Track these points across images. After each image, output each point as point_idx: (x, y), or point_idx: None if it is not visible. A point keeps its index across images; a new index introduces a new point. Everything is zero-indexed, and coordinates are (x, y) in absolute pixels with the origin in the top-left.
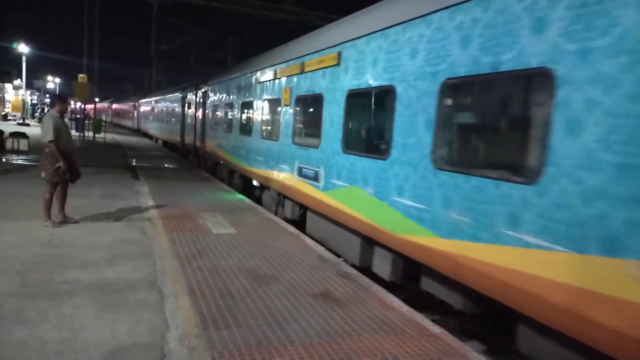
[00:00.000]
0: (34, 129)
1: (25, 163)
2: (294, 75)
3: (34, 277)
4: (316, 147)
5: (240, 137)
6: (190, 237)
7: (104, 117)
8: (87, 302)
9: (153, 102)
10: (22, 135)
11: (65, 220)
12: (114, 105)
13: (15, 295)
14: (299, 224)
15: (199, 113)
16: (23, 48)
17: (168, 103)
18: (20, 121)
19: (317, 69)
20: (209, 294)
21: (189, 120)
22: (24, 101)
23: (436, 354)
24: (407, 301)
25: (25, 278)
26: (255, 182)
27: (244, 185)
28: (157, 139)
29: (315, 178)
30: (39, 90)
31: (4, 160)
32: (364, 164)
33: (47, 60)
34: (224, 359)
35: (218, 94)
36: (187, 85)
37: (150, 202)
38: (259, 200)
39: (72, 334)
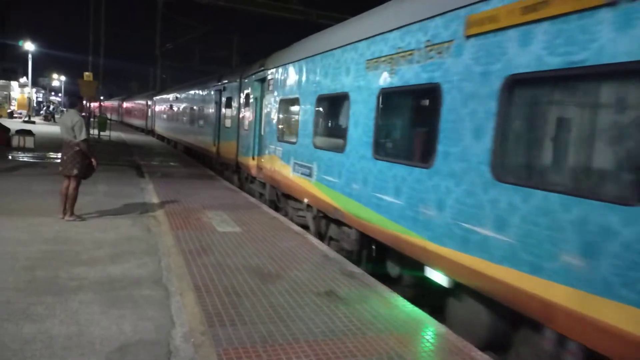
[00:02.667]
0: (39, 127)
1: (31, 160)
2: None
3: (41, 274)
4: None
5: (373, 163)
6: (195, 234)
7: (115, 117)
8: (93, 298)
9: (173, 98)
10: (28, 132)
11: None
12: (125, 104)
13: (22, 291)
14: None
15: (248, 113)
16: (29, 46)
17: (195, 99)
18: (26, 119)
19: None
20: (214, 291)
21: (227, 123)
22: (29, 99)
23: (441, 352)
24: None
25: (32, 274)
26: (439, 278)
27: (361, 246)
28: (175, 143)
29: None
30: (44, 88)
31: (10, 157)
32: None
33: (52, 57)
34: (230, 355)
35: (299, 83)
36: (225, 73)
37: (155, 200)
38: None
39: (78, 329)
